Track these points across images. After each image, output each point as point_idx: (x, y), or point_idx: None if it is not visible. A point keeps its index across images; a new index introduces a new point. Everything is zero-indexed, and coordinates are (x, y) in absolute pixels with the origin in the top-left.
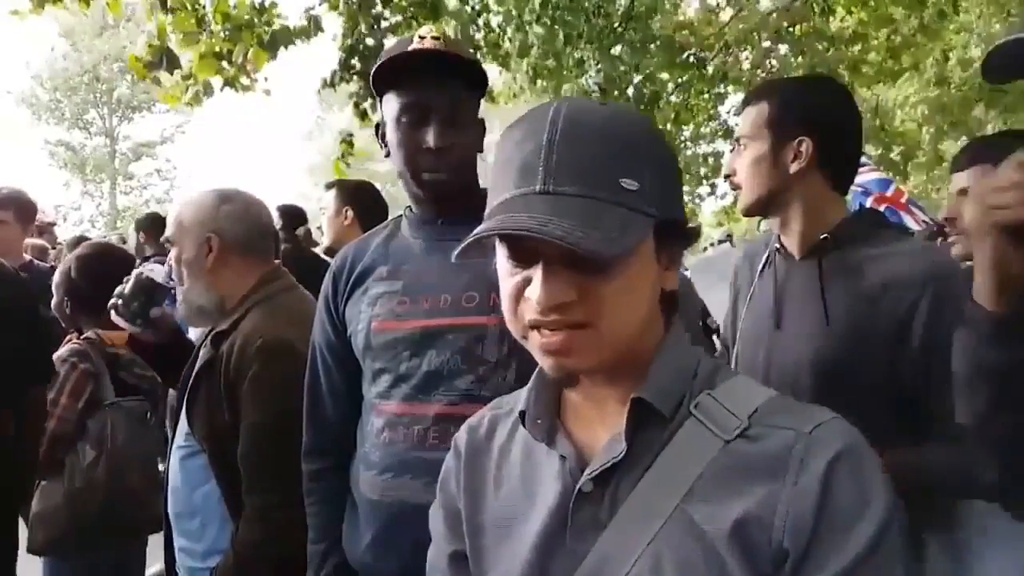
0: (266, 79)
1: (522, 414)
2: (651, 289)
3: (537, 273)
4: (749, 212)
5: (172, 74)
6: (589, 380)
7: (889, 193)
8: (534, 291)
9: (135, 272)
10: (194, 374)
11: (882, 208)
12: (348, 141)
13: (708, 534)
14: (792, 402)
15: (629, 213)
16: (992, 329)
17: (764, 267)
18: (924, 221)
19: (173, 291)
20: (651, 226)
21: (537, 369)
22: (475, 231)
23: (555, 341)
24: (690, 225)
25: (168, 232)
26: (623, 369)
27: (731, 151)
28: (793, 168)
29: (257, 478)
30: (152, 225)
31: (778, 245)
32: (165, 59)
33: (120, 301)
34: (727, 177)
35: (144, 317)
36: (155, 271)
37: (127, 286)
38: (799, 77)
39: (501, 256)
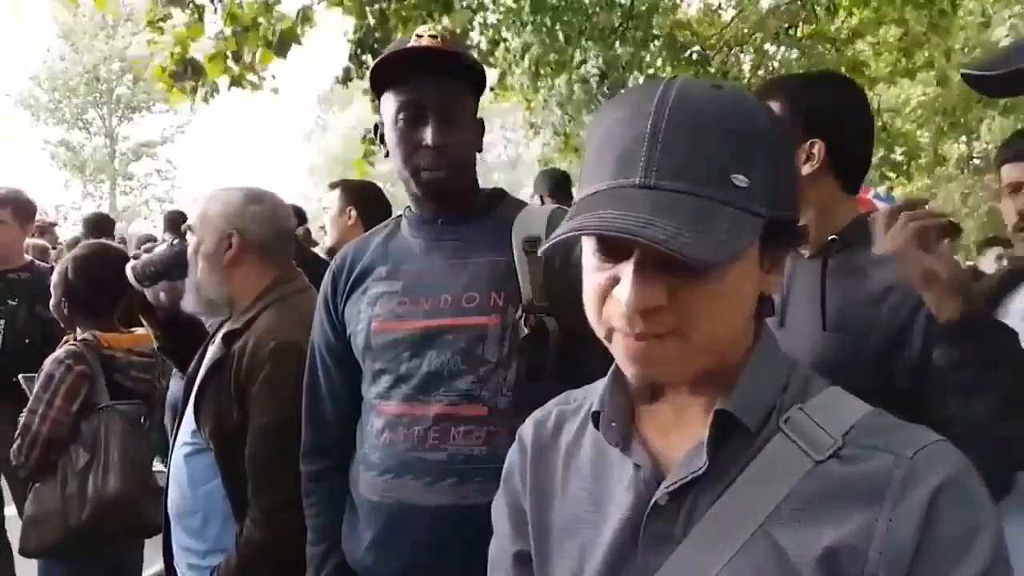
0: (274, 77)
1: (595, 415)
2: (750, 295)
3: (627, 272)
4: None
5: (198, 82)
6: (673, 388)
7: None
8: (623, 292)
9: (174, 240)
10: (204, 372)
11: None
12: (371, 139)
13: (793, 560)
14: (891, 420)
15: (738, 213)
16: (943, 335)
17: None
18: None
19: None
20: (759, 228)
21: (613, 367)
22: (566, 227)
23: (640, 351)
24: (800, 224)
25: (190, 221)
26: (709, 377)
27: None
28: (805, 170)
29: (263, 479)
30: (96, 227)
31: None
32: (190, 68)
33: (144, 257)
34: None
35: (153, 281)
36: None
37: (159, 247)
38: (809, 74)
39: (587, 250)
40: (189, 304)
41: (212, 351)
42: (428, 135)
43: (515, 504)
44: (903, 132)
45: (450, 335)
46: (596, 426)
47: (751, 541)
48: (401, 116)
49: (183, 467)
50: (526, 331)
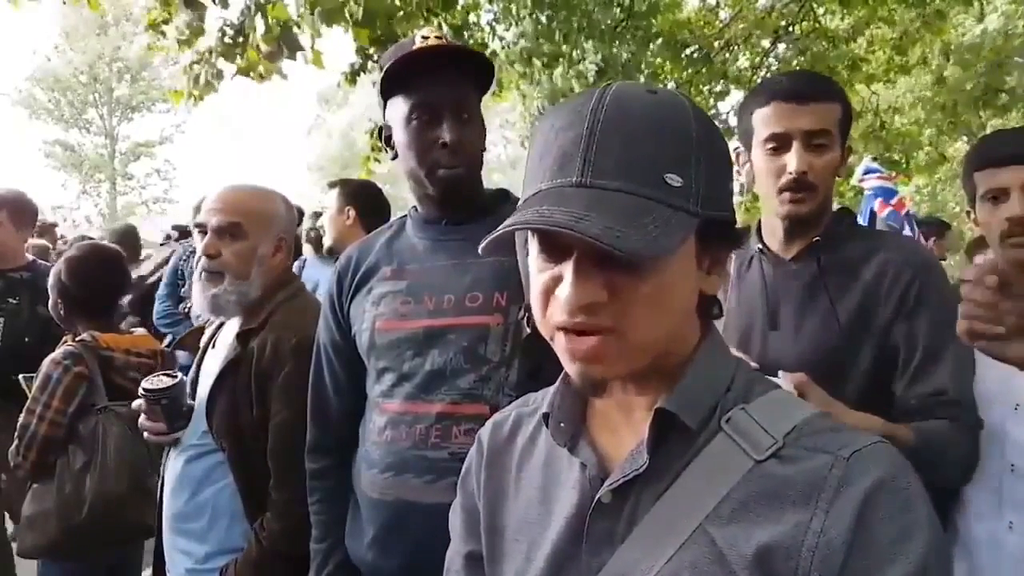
0: (294, 59)
1: (545, 416)
2: (688, 293)
3: (568, 270)
4: (811, 217)
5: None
6: (618, 386)
7: (893, 201)
8: (564, 290)
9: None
10: (217, 372)
11: (884, 213)
12: (380, 135)
13: (729, 559)
14: (832, 422)
15: (671, 211)
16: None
17: (745, 269)
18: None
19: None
20: (694, 226)
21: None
22: (507, 222)
23: (581, 347)
24: (738, 226)
25: (235, 219)
26: (653, 376)
27: (774, 148)
28: (840, 175)
29: (286, 473)
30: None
31: (760, 247)
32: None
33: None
34: (802, 174)
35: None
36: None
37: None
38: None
39: (532, 251)
40: (220, 303)
41: (223, 352)
42: (445, 133)
43: (469, 506)
44: (900, 131)
45: (453, 334)
46: (547, 427)
47: (691, 540)
48: (415, 116)
49: (187, 470)
50: (528, 331)
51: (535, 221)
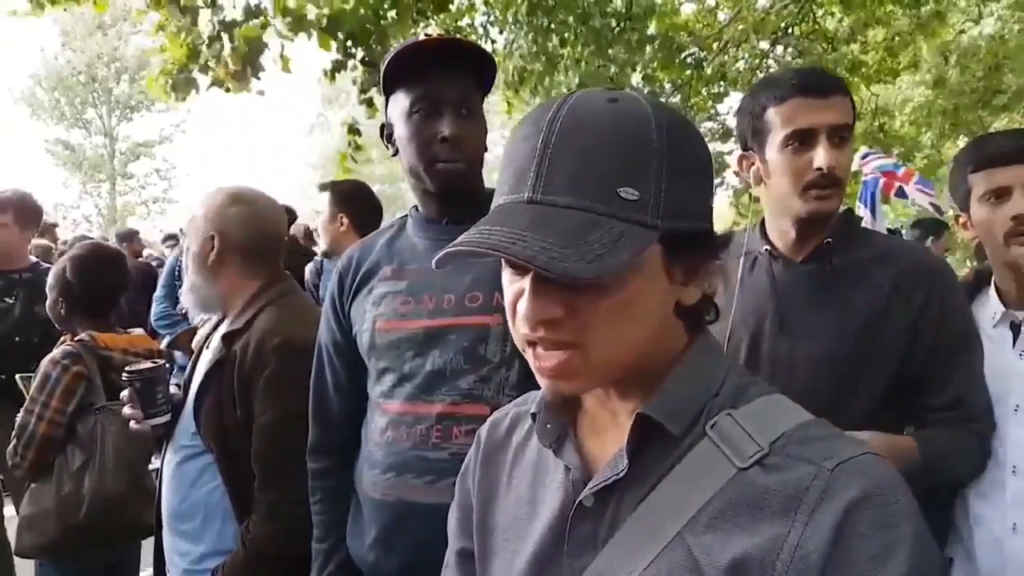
0: (259, 79)
1: (534, 416)
2: (657, 306)
3: (526, 286)
4: (832, 215)
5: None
6: (600, 391)
7: (900, 172)
8: (522, 305)
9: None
10: (203, 373)
11: (893, 189)
12: (356, 130)
13: (703, 568)
14: (826, 430)
15: (624, 226)
16: None
17: (749, 270)
18: (932, 204)
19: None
20: (652, 239)
21: None
22: (450, 244)
23: (547, 366)
24: (718, 233)
25: (186, 223)
26: (636, 382)
27: (798, 144)
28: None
29: (270, 475)
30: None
31: (768, 247)
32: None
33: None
34: (831, 169)
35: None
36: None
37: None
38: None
39: (504, 265)
40: (186, 302)
41: (210, 353)
42: (446, 127)
43: (464, 502)
44: (899, 133)
45: (453, 335)
46: (535, 426)
47: (669, 547)
48: (416, 110)
49: (181, 470)
50: None
51: (473, 243)
